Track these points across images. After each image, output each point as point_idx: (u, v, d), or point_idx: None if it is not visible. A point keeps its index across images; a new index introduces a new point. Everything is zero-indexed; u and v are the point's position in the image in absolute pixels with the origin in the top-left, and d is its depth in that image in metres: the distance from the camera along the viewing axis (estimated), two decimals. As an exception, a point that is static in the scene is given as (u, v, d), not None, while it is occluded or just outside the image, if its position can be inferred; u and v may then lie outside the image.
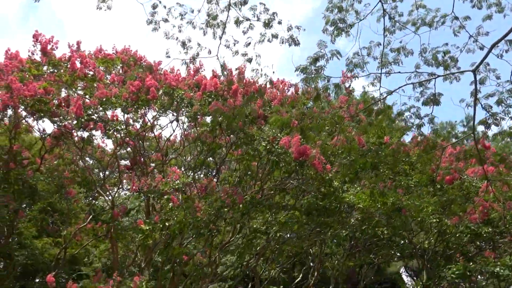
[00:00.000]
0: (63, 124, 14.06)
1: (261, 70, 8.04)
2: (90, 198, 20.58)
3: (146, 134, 16.57)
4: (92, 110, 10.18)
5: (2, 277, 18.59)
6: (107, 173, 17.80)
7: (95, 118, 10.29)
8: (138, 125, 14.94)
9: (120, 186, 17.73)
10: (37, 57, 11.08)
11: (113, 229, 14.45)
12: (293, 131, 9.18)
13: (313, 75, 7.50)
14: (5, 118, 14.67)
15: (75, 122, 10.61)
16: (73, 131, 15.14)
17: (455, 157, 9.53)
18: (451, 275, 11.01)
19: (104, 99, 10.24)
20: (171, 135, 14.83)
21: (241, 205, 9.04)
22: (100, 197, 21.22)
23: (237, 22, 8.69)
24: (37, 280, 21.09)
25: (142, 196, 10.95)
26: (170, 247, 8.77)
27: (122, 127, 10.95)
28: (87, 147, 16.30)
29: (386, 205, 9.36)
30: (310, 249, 18.91)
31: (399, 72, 8.08)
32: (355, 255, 19.55)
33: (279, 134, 9.77)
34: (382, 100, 8.60)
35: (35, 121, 14.98)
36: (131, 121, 13.97)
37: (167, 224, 8.44)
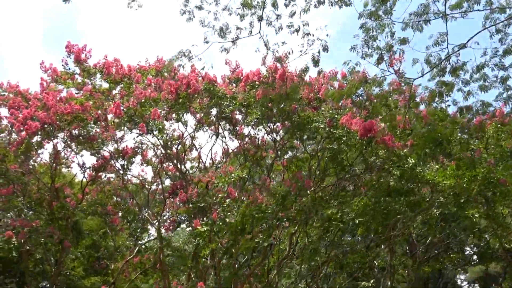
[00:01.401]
0: (101, 150, 13.71)
1: (312, 36, 7.14)
2: (134, 239, 19.93)
3: (186, 156, 15.95)
4: (132, 110, 9.54)
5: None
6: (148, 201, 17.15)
7: (135, 118, 9.60)
8: (175, 149, 14.36)
9: (164, 212, 16.90)
10: (71, 66, 10.80)
11: (161, 255, 13.53)
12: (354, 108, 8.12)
13: (377, 28, 6.54)
14: (43, 154, 14.55)
15: (116, 120, 9.94)
16: (112, 161, 14.84)
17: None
18: None
19: (143, 100, 9.64)
20: (210, 149, 13.94)
21: (308, 191, 7.91)
22: (144, 233, 20.66)
23: (274, 4, 8.01)
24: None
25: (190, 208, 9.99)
26: (235, 244, 7.63)
27: (165, 127, 10.19)
28: (126, 179, 15.90)
29: (476, 180, 7.93)
30: (374, 261, 17.14)
31: (478, 9, 6.94)
32: (426, 262, 17.54)
33: (336, 116, 8.71)
34: (453, 55, 7.45)
35: (75, 155, 14.84)
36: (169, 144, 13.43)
37: (227, 220, 7.39)
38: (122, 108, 9.65)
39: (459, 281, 23.23)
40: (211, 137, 14.95)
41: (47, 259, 15.07)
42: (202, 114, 11.49)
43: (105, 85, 10.99)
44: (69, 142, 13.33)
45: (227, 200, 7.72)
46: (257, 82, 9.56)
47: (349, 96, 7.60)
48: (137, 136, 14.14)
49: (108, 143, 13.23)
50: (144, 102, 9.66)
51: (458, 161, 7.73)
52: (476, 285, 26.77)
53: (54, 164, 14.46)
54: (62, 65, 10.69)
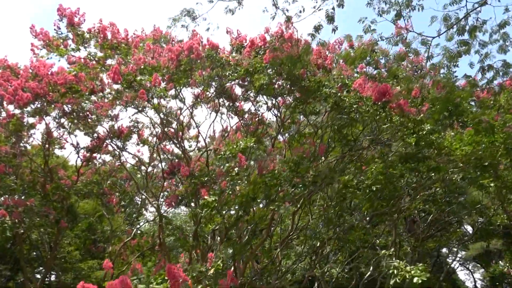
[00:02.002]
0: (96, 129, 13.18)
1: (327, -11, 6.65)
2: (129, 223, 19.53)
3: (183, 134, 15.48)
4: (131, 76, 8.97)
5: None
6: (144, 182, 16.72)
7: (134, 85, 9.03)
8: (173, 126, 13.86)
9: (162, 192, 16.46)
10: (64, 31, 10.13)
11: (161, 234, 13.16)
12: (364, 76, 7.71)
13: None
14: (36, 135, 13.99)
15: (114, 87, 9.40)
16: (107, 141, 14.31)
17: None
18: None
19: (142, 66, 9.08)
20: (211, 124, 13.46)
21: (323, 157, 7.53)
22: (140, 217, 20.27)
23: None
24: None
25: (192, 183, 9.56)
26: (244, 216, 7.22)
27: (166, 94, 9.65)
28: (121, 160, 15.44)
29: (494, 146, 7.62)
30: (377, 240, 16.94)
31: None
32: (427, 240, 17.44)
33: (347, 81, 8.29)
34: (473, 12, 7.03)
35: (68, 135, 14.26)
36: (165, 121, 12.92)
37: (237, 188, 6.98)
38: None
39: (457, 258, 23.34)
40: (210, 114, 14.48)
41: (42, 242, 14.59)
42: (202, 87, 10.95)
43: (100, 54, 10.37)
44: (62, 120, 12.78)
45: (236, 169, 7.32)
46: (262, 48, 9.06)
47: (362, 59, 7.18)
48: (133, 114, 13.64)
49: (103, 119, 12.67)
50: (143, 69, 9.10)
51: (476, 125, 7.41)
52: (471, 262, 26.98)
53: (47, 145, 13.91)
54: (54, 29, 10.04)
